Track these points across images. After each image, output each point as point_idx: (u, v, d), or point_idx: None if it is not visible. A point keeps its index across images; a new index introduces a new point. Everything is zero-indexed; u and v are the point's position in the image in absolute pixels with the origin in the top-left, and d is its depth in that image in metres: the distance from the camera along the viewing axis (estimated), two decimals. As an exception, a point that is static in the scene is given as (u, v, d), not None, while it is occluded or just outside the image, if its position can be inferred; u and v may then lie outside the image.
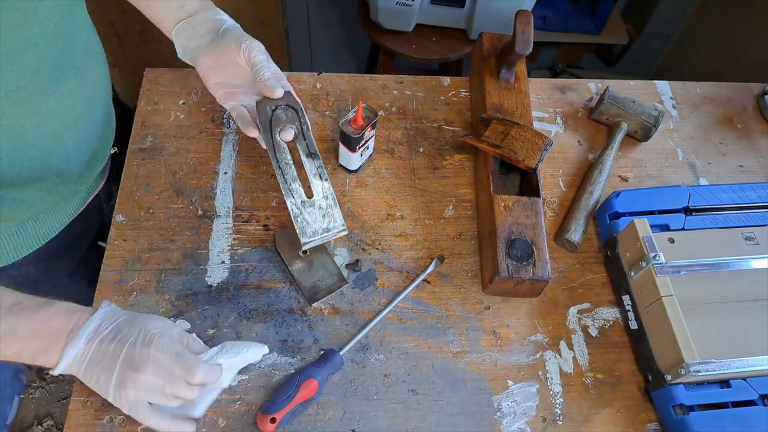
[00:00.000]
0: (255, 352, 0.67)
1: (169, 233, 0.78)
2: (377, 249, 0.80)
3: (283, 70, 0.76)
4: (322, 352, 0.71)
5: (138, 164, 0.84)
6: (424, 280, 0.78)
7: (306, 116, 0.74)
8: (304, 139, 0.74)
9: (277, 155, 0.72)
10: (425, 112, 0.94)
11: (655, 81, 1.03)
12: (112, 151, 0.85)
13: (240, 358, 0.66)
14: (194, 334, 0.68)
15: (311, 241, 0.70)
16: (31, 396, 1.59)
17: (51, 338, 0.57)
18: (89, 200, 0.84)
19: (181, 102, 0.90)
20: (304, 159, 0.73)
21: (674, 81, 1.03)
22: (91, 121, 0.75)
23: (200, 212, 0.80)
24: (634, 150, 0.94)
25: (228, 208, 0.81)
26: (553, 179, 0.90)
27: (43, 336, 0.56)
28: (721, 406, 0.67)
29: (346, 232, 0.71)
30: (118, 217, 0.79)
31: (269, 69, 0.72)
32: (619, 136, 0.91)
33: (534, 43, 0.83)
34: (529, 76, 0.93)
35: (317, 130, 0.90)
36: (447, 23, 1.52)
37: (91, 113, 0.74)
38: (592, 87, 1.00)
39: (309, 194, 0.72)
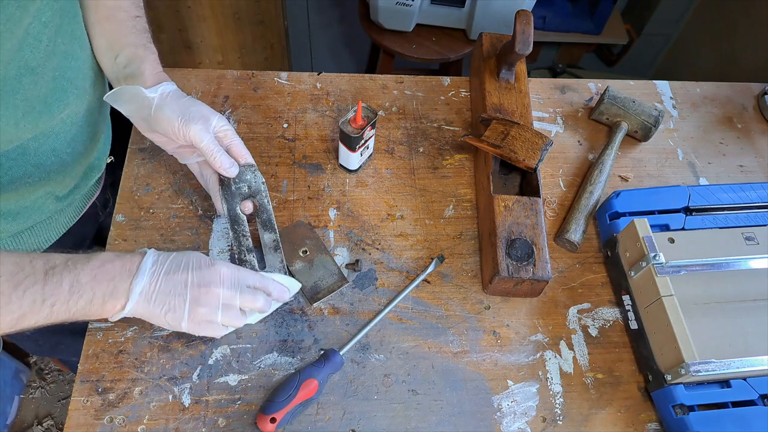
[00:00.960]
0: (293, 283, 0.72)
1: (169, 233, 0.78)
2: (377, 249, 0.80)
3: (283, 70, 0.76)
4: (322, 352, 0.71)
5: (138, 164, 0.84)
6: (424, 280, 0.78)
7: (267, 189, 0.74)
8: (264, 212, 0.74)
9: (235, 227, 0.72)
10: (425, 112, 0.94)
11: (655, 81, 1.03)
12: (108, 161, 0.86)
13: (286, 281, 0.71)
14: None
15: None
16: (31, 396, 1.59)
17: (113, 281, 0.57)
18: (85, 209, 0.84)
19: (181, 102, 0.90)
20: (261, 231, 0.73)
21: (674, 81, 1.03)
22: (89, 137, 0.75)
23: (200, 212, 0.80)
24: (634, 150, 0.94)
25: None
26: (553, 179, 0.90)
27: (105, 280, 0.56)
28: (721, 406, 0.67)
29: (295, 292, 0.73)
30: (118, 217, 0.79)
31: (218, 150, 0.67)
32: (619, 136, 0.91)
33: (534, 43, 0.83)
34: (529, 76, 0.93)
35: (317, 130, 0.90)
36: (447, 23, 1.52)
37: (89, 131, 0.75)
38: (592, 87, 1.00)
39: (262, 265, 0.73)
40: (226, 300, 0.61)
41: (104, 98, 0.70)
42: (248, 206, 0.73)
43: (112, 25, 0.70)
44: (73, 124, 0.69)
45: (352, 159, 0.83)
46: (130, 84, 0.68)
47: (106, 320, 0.60)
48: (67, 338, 0.98)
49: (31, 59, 0.58)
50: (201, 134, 0.66)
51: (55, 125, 0.66)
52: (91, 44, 0.71)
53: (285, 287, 0.68)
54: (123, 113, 0.70)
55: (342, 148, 0.82)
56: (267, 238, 0.73)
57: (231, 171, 0.70)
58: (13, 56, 0.56)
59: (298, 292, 0.75)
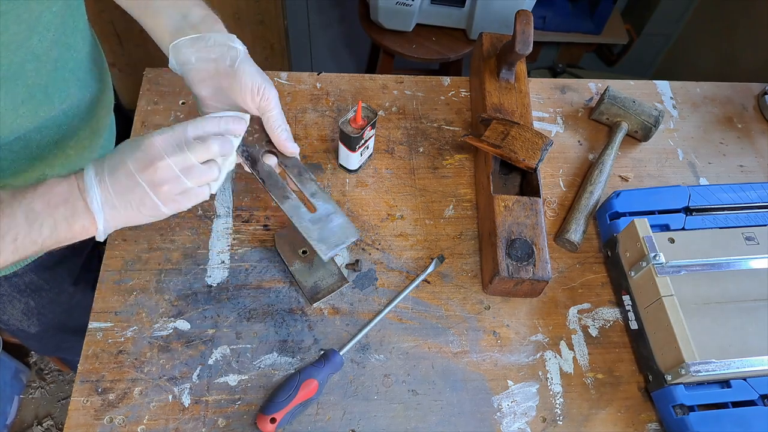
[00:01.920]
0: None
1: (169, 233, 0.78)
2: (377, 249, 0.80)
3: (283, 70, 0.76)
4: (322, 352, 0.71)
5: (138, 164, 0.84)
6: (424, 280, 0.78)
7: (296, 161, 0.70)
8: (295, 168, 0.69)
9: (269, 182, 0.67)
10: (425, 112, 0.94)
11: (655, 81, 1.03)
12: None
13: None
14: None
15: (333, 253, 0.66)
16: (31, 396, 1.59)
17: (69, 202, 0.54)
18: None
19: (180, 102, 0.90)
20: (296, 180, 0.68)
21: (674, 81, 1.03)
22: (92, 131, 0.75)
23: (200, 212, 0.80)
24: (635, 150, 0.94)
25: (228, 208, 0.81)
26: (553, 179, 0.90)
27: (60, 203, 0.53)
28: (721, 406, 0.67)
29: (359, 235, 0.68)
30: (118, 217, 0.79)
31: (286, 127, 0.67)
32: (619, 136, 0.91)
33: (534, 43, 0.83)
34: (529, 76, 0.93)
35: (317, 130, 0.90)
36: (447, 23, 1.52)
37: (92, 124, 0.75)
38: (592, 87, 1.00)
39: (312, 209, 0.68)
40: (179, 165, 0.55)
41: (173, 45, 0.64)
42: (271, 159, 0.69)
43: None
44: (74, 116, 0.70)
45: (352, 159, 0.83)
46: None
47: (92, 244, 0.56)
48: (70, 337, 0.98)
49: (38, 47, 0.58)
50: (278, 103, 0.65)
51: (56, 116, 0.66)
52: (148, 22, 0.68)
53: (234, 116, 0.61)
54: (180, 58, 0.65)
55: (342, 148, 0.82)
56: (305, 185, 0.68)
57: (295, 149, 0.67)
58: (22, 43, 0.56)
59: (297, 293, 0.75)
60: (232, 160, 0.62)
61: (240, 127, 0.62)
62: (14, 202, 0.52)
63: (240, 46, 0.65)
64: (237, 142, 0.62)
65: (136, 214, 0.56)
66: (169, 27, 0.66)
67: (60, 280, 0.86)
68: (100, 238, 0.56)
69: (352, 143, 0.79)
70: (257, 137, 0.68)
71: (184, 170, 0.56)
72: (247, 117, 0.64)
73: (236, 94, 0.64)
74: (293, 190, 0.68)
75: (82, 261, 0.88)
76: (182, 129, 0.56)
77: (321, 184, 0.69)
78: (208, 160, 0.58)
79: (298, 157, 0.70)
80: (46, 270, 0.81)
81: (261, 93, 0.63)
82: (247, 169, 0.68)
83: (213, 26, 0.66)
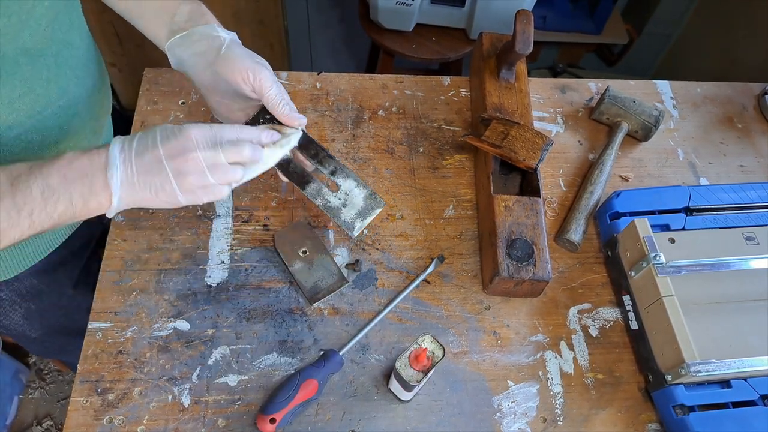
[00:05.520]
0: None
1: (169, 233, 0.78)
2: (377, 249, 0.80)
3: (283, 70, 0.75)
4: (321, 352, 0.71)
5: (138, 164, 0.84)
6: (424, 280, 0.78)
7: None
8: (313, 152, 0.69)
9: (286, 170, 0.68)
10: (425, 111, 0.94)
11: (655, 81, 1.03)
12: None
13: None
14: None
15: (361, 226, 0.68)
16: (30, 396, 1.58)
17: (87, 177, 0.54)
18: None
19: (180, 102, 0.90)
20: (313, 161, 0.68)
21: (674, 81, 1.03)
22: (91, 131, 0.75)
23: (200, 212, 0.80)
24: (635, 150, 0.94)
25: (228, 208, 0.81)
26: (553, 179, 0.90)
27: (77, 179, 0.54)
28: (721, 406, 0.67)
29: (384, 204, 0.68)
30: (117, 217, 0.79)
31: (287, 101, 0.66)
32: (620, 136, 0.91)
33: (534, 43, 0.82)
34: (529, 76, 0.93)
35: (317, 130, 0.90)
36: (447, 23, 1.51)
37: (91, 124, 0.75)
38: (592, 87, 1.00)
39: (334, 188, 0.68)
40: (209, 161, 0.56)
41: (167, 46, 0.66)
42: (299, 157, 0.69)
43: None
44: (74, 115, 0.69)
45: (405, 394, 0.69)
46: None
47: (101, 219, 0.57)
48: (74, 339, 0.98)
49: (29, 41, 0.58)
50: (272, 79, 0.65)
51: (55, 114, 0.66)
52: (139, 19, 0.69)
53: (273, 131, 0.64)
54: (183, 61, 0.67)
55: (394, 381, 0.68)
56: (325, 167, 0.68)
57: (302, 121, 0.66)
58: (13, 36, 0.56)
59: (297, 293, 0.75)
60: (259, 168, 0.63)
61: (285, 139, 0.64)
62: (31, 177, 0.52)
63: (224, 34, 0.66)
64: (280, 153, 0.64)
65: (152, 198, 0.57)
66: (161, 31, 0.67)
67: (60, 284, 0.86)
68: (110, 215, 0.57)
69: (408, 387, 0.66)
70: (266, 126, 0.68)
71: (212, 167, 0.57)
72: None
73: (230, 77, 0.64)
74: (311, 172, 0.68)
75: (82, 264, 0.88)
76: (219, 129, 0.58)
77: (338, 159, 0.69)
78: (234, 162, 0.59)
79: (306, 133, 0.68)
80: (46, 274, 0.81)
81: (253, 74, 0.64)
82: None
83: (199, 21, 0.67)
